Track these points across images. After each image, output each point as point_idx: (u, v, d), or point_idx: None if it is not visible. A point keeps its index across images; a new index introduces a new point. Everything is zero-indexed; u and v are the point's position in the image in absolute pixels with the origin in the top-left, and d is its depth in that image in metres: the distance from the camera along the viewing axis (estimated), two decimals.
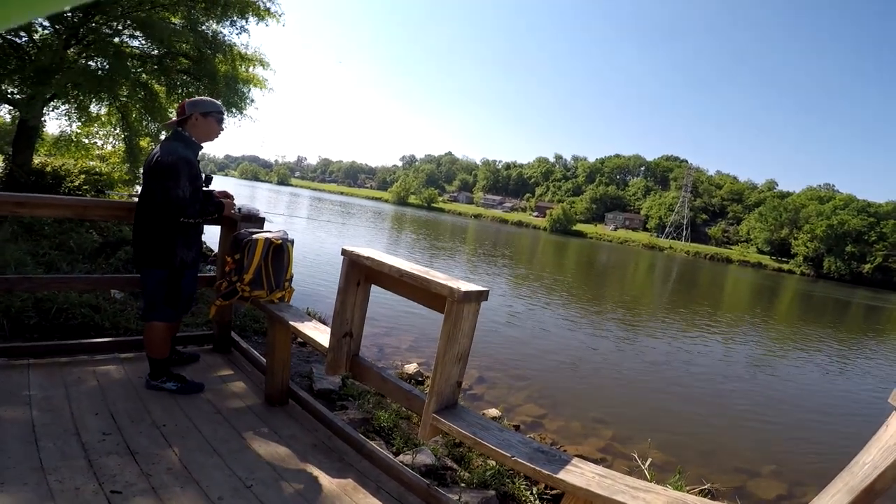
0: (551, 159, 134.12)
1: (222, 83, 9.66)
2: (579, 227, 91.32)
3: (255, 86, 11.11)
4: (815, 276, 65.39)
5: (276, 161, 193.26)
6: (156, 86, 9.97)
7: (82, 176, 10.13)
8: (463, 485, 3.18)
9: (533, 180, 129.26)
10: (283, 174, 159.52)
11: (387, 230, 33.54)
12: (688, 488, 3.94)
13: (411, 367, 5.67)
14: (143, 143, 10.87)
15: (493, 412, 4.94)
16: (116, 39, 9.29)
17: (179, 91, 9.87)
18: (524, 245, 42.04)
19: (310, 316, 2.94)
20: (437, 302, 1.86)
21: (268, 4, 9.66)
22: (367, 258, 2.11)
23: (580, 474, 1.54)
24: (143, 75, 9.63)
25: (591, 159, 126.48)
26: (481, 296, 1.81)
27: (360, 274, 2.23)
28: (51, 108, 9.81)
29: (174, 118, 2.84)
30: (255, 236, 2.88)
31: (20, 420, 2.28)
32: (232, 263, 2.93)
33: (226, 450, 2.33)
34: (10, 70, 8.14)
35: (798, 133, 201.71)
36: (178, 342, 3.40)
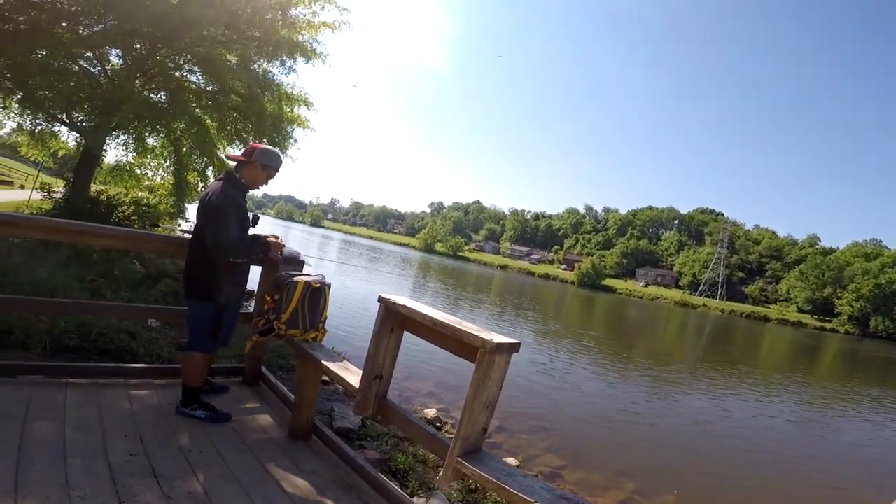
0: (581, 210, 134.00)
1: (269, 122, 9.90)
2: (609, 281, 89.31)
3: (298, 126, 11.29)
4: (860, 336, 61.30)
5: (310, 202, 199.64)
6: (208, 121, 10.29)
7: (132, 206, 10.55)
8: None
9: (562, 232, 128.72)
10: (317, 216, 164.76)
11: (413, 277, 33.87)
12: None
13: (430, 412, 5.66)
14: (190, 177, 11.21)
15: (512, 461, 4.86)
16: (177, 74, 9.71)
17: (229, 128, 10.25)
18: (551, 298, 41.51)
19: (339, 356, 3.03)
20: (468, 351, 1.93)
21: (314, 46, 9.93)
22: (403, 306, 2.22)
23: None
24: (198, 110, 9.95)
25: (623, 211, 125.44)
26: (513, 348, 1.88)
27: (394, 320, 2.33)
28: (112, 138, 10.19)
29: (234, 153, 3.05)
30: (295, 279, 3.03)
31: (52, 436, 2.35)
32: (271, 302, 3.07)
33: (248, 480, 2.37)
34: (82, 98, 8.57)
35: (842, 185, 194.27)
36: (211, 373, 3.50)
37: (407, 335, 2.39)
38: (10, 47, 7.15)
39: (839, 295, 69.70)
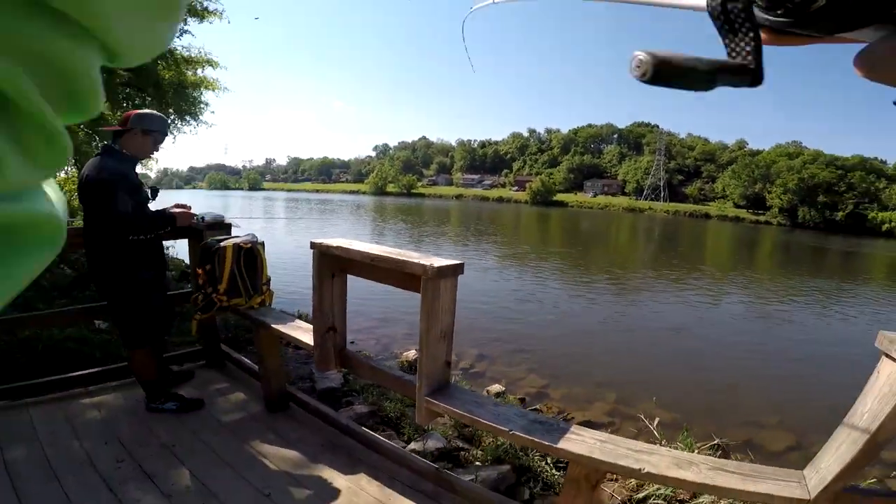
0: (525, 133, 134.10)
1: (170, 91, 9.15)
2: (560, 196, 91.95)
3: (206, 87, 10.46)
4: (790, 227, 67.11)
5: (243, 167, 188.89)
6: None
7: None
8: (478, 463, 3.19)
9: (509, 156, 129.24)
10: (254, 179, 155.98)
11: (369, 221, 33.24)
12: (698, 444, 3.98)
13: (411, 354, 5.63)
14: None
15: (497, 388, 4.97)
16: None
17: (124, 105, 9.32)
18: (508, 220, 42.18)
19: (297, 316, 2.89)
20: (412, 282, 1.81)
21: (205, 3, 9.03)
22: (337, 247, 2.04)
23: (581, 442, 1.52)
24: None
25: (565, 130, 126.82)
26: (457, 269, 1.76)
27: (332, 265, 2.17)
28: None
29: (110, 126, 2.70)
30: (222, 243, 2.79)
31: (35, 459, 2.27)
32: (204, 275, 2.83)
33: (237, 461, 2.34)
34: None
35: (763, 94, 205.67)
36: (171, 361, 3.34)
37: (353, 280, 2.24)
38: None
39: (769, 190, 75.16)
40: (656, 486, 2.82)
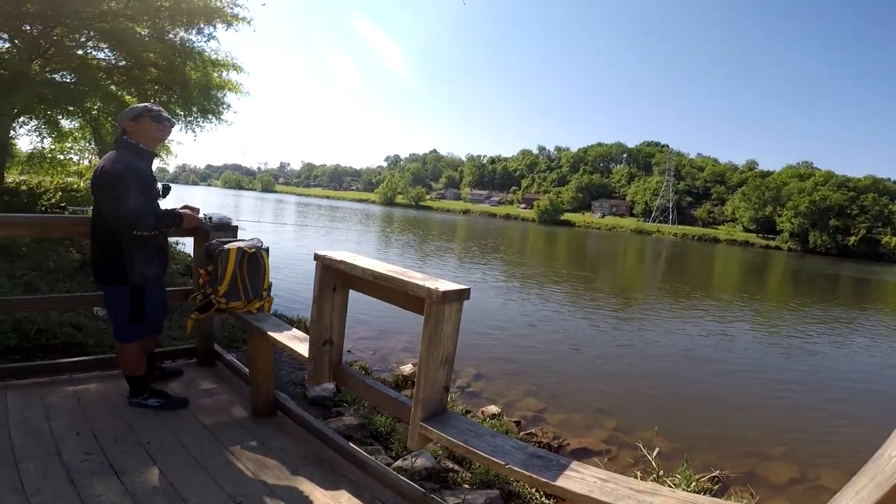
0: (535, 151, 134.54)
1: (195, 90, 9.54)
2: (567, 216, 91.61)
3: (230, 90, 10.94)
4: (801, 251, 66.30)
5: (258, 168, 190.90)
6: (126, 97, 9.74)
7: (59, 193, 9.92)
8: (466, 486, 3.09)
9: (518, 173, 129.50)
10: (267, 181, 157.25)
11: (376, 232, 33.32)
12: (697, 476, 3.86)
13: (407, 368, 5.56)
14: None
15: (493, 409, 4.87)
16: (81, 51, 9.08)
17: (152, 101, 9.74)
18: (514, 237, 42.10)
19: (296, 324, 2.84)
20: (416, 304, 1.76)
21: (235, 10, 9.45)
22: (341, 262, 2.00)
23: (580, 480, 1.43)
24: (112, 87, 9.43)
25: (574, 149, 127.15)
26: (462, 295, 1.71)
27: (335, 279, 2.13)
28: (20, 124, 9.55)
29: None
30: (226, 246, 2.77)
31: None
32: (205, 275, 2.83)
33: (213, 465, 2.27)
34: None
35: (774, 113, 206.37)
36: (161, 357, 3.30)
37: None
38: None
39: (779, 213, 74.09)
40: None
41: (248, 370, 3.09)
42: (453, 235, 36.30)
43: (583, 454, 4.35)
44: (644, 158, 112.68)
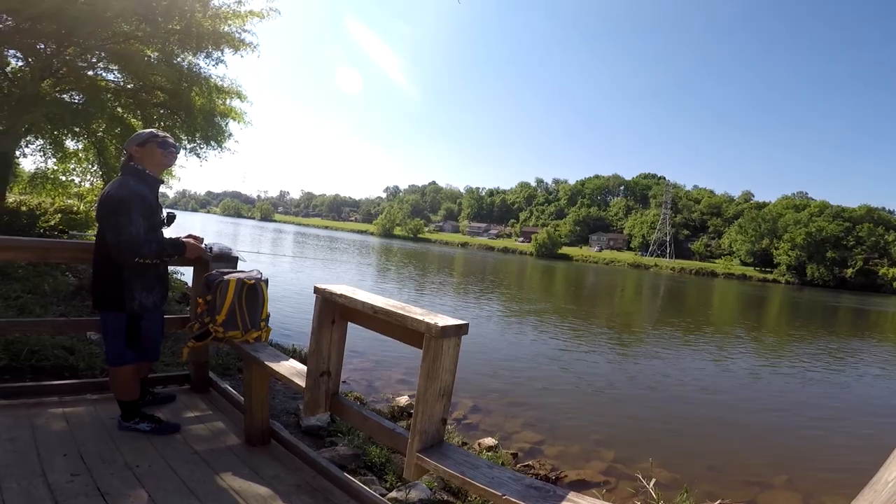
0: (533, 183, 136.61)
1: (199, 116, 9.55)
2: (565, 250, 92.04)
3: (233, 118, 10.94)
4: (799, 284, 66.40)
5: (258, 196, 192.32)
6: (132, 120, 9.76)
7: (58, 215, 9.89)
8: None
9: (516, 206, 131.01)
10: (266, 210, 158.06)
11: (374, 264, 33.34)
12: None
13: (403, 400, 5.50)
14: None
15: (490, 441, 4.81)
16: (91, 72, 9.15)
17: (157, 125, 9.73)
18: (512, 271, 42.14)
19: (292, 354, 2.84)
20: (414, 338, 1.79)
21: (243, 35, 9.55)
22: (341, 295, 2.04)
23: None
24: (119, 109, 9.45)
25: (572, 181, 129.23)
26: (461, 330, 1.74)
27: (334, 312, 2.16)
28: (25, 144, 9.54)
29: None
30: (226, 277, 2.79)
31: None
32: (204, 305, 2.83)
33: (203, 491, 2.22)
34: None
35: (769, 143, 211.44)
36: (154, 382, 3.28)
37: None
38: None
39: (776, 245, 74.85)
40: None
41: (242, 398, 3.07)
42: (452, 269, 36.36)
43: (581, 486, 4.27)
44: (641, 191, 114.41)
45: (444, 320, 1.71)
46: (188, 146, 10.57)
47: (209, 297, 2.81)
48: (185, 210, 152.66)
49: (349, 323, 2.21)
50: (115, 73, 9.43)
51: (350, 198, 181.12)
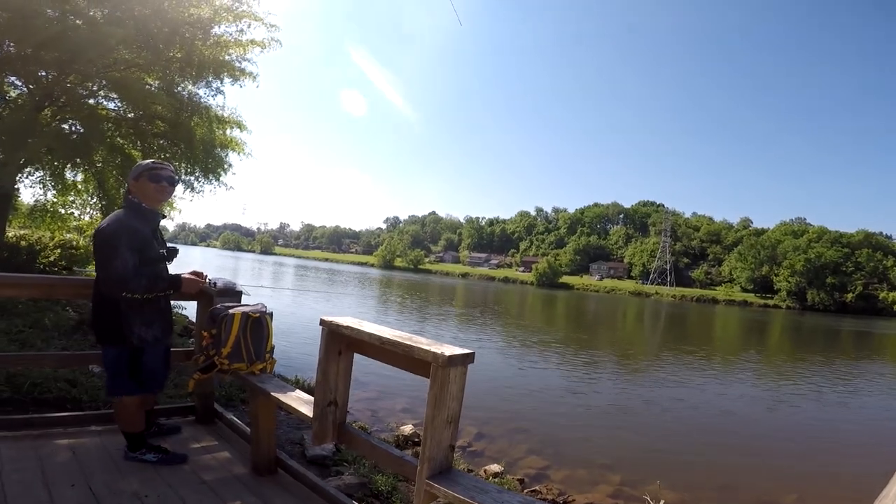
0: (532, 212, 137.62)
1: (199, 147, 9.33)
2: (565, 279, 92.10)
3: (232, 149, 10.64)
4: (800, 309, 66.19)
5: (258, 229, 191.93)
6: (132, 150, 9.53)
7: (57, 251, 9.72)
8: None
9: (516, 235, 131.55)
10: (267, 243, 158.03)
11: (375, 297, 33.28)
12: None
13: (407, 429, 5.48)
14: None
15: (495, 468, 4.78)
16: (91, 101, 8.92)
17: (158, 156, 9.47)
18: (513, 301, 42.02)
19: (296, 385, 2.86)
20: (422, 368, 1.83)
21: (243, 65, 9.43)
22: (347, 327, 2.09)
23: None
24: (119, 139, 9.20)
25: (571, 210, 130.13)
26: (467, 359, 1.78)
27: (340, 343, 2.21)
28: (24, 176, 9.23)
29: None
30: (231, 311, 2.83)
31: None
32: (209, 338, 2.86)
33: None
34: None
35: (766, 169, 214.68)
36: (159, 414, 3.28)
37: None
38: None
39: (776, 272, 75.20)
40: None
41: (248, 428, 3.08)
42: (453, 299, 36.27)
43: None
44: (640, 218, 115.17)
45: (450, 350, 1.76)
46: (187, 180, 10.16)
47: (214, 330, 2.84)
48: (185, 243, 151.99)
49: (356, 353, 2.24)
50: (116, 101, 9.17)
51: (350, 229, 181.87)
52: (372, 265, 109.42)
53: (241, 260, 75.28)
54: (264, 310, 2.96)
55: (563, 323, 25.82)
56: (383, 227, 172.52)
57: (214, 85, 9.60)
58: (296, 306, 20.30)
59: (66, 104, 8.61)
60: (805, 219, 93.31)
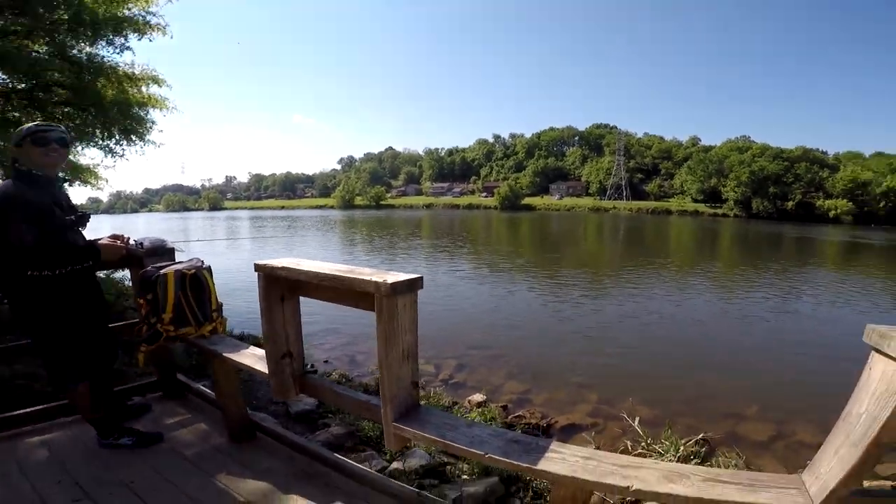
0: (490, 140, 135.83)
1: (113, 109, 8.55)
2: (527, 200, 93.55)
3: (153, 106, 9.81)
4: (746, 217, 70.53)
5: (202, 186, 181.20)
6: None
7: None
8: (465, 476, 3.08)
9: (476, 162, 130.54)
10: (215, 198, 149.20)
11: (338, 236, 32.69)
12: (683, 441, 3.98)
13: None
14: None
15: (479, 397, 4.92)
16: None
17: (64, 124, 8.92)
18: (479, 227, 42.39)
19: (256, 343, 2.70)
20: (367, 301, 1.66)
21: (148, 18, 8.51)
22: (283, 268, 1.89)
23: (561, 460, 1.40)
24: (15, 113, 8.37)
25: (528, 135, 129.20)
26: (414, 285, 1.62)
27: (280, 288, 2.02)
28: None
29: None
30: (163, 271, 2.58)
31: None
32: (146, 305, 2.61)
33: (203, 496, 2.18)
34: None
35: (712, 90, 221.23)
36: (125, 394, 3.10)
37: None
38: None
39: (723, 183, 79.45)
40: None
41: None
42: (419, 231, 36.15)
43: (572, 430, 4.45)
44: (595, 140, 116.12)
45: (393, 276, 1.60)
46: (104, 144, 9.32)
47: (150, 295, 2.59)
48: (125, 212, 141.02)
49: (301, 297, 2.07)
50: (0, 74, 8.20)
51: (303, 174, 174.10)
52: (331, 207, 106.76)
53: (190, 220, 70.93)
54: (200, 265, 2.71)
55: (528, 244, 26.34)
56: (338, 167, 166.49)
57: (119, 42, 8.64)
58: (257, 257, 19.71)
59: None
60: (749, 136, 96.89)
